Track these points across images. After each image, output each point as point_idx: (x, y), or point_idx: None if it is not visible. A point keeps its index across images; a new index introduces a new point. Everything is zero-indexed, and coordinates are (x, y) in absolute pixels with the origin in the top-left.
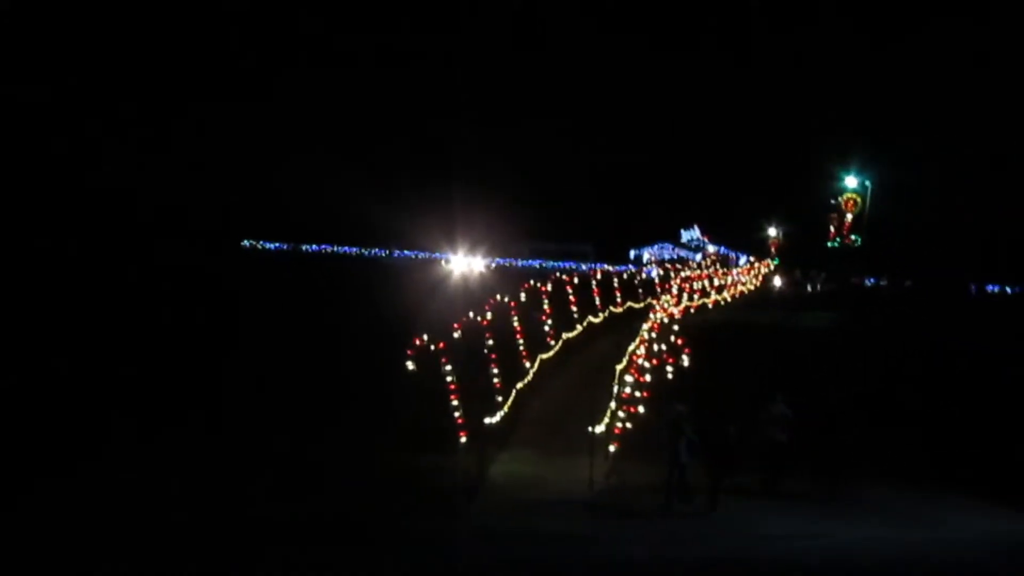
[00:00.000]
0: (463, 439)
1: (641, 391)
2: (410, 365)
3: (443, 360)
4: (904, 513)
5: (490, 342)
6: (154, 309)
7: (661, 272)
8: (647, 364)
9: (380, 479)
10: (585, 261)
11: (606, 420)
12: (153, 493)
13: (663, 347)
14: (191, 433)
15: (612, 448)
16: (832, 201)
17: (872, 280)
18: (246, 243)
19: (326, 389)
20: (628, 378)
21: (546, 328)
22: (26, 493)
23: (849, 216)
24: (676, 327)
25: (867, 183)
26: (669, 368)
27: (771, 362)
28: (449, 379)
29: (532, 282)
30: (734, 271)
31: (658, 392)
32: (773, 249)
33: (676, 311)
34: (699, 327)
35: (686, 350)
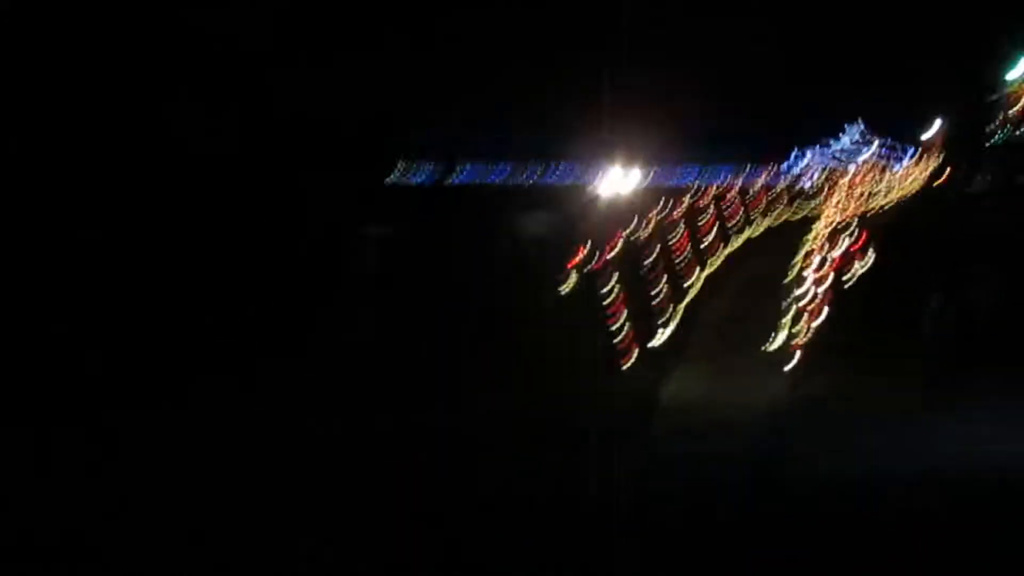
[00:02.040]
0: (629, 362)
1: (819, 303)
2: (566, 286)
3: (604, 278)
4: None
5: (650, 260)
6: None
7: (823, 179)
8: (824, 270)
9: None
10: (743, 167)
11: (783, 335)
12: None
13: (839, 254)
14: None
15: (791, 365)
16: (999, 87)
17: None
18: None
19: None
20: (804, 288)
21: (706, 244)
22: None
23: (1022, 103)
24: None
25: None
26: (857, 265)
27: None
28: (608, 300)
29: (689, 196)
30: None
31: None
32: (939, 143)
33: (847, 214)
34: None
35: (861, 255)
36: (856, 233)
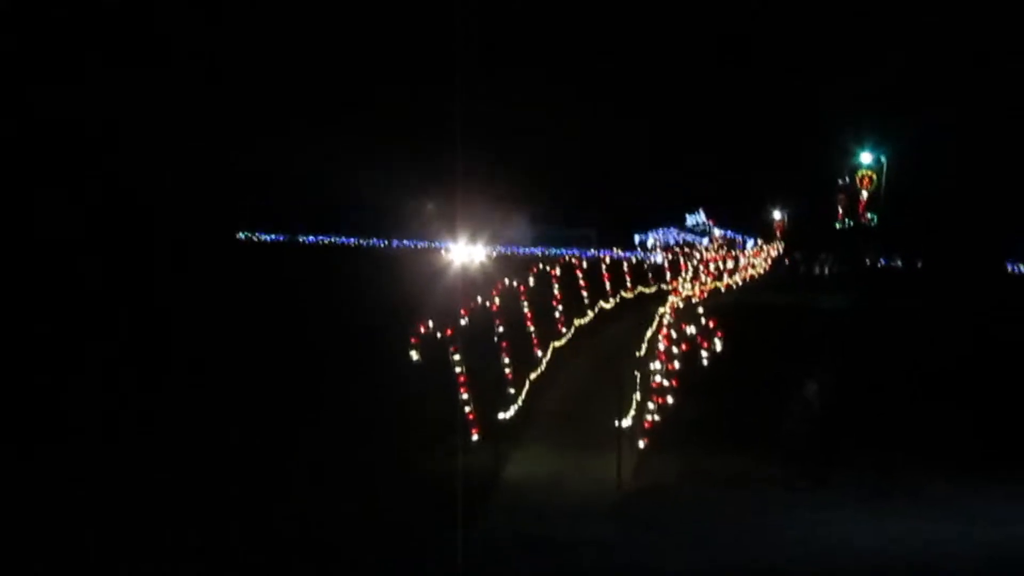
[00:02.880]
0: (474, 436)
1: (670, 379)
2: (415, 355)
3: (451, 348)
4: (970, 506)
5: (500, 329)
6: (143, 303)
7: (670, 257)
8: (676, 350)
9: (383, 482)
10: (588, 247)
11: (632, 412)
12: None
13: (692, 331)
14: (177, 429)
15: (641, 444)
16: (840, 181)
17: (883, 261)
18: (241, 235)
19: (322, 383)
20: (655, 365)
21: (557, 315)
22: None
23: (865, 193)
24: (701, 309)
25: (882, 158)
26: (704, 353)
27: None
28: (458, 369)
29: (541, 265)
30: (744, 254)
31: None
32: (778, 232)
33: (696, 293)
34: (720, 310)
35: (719, 333)
36: (707, 313)
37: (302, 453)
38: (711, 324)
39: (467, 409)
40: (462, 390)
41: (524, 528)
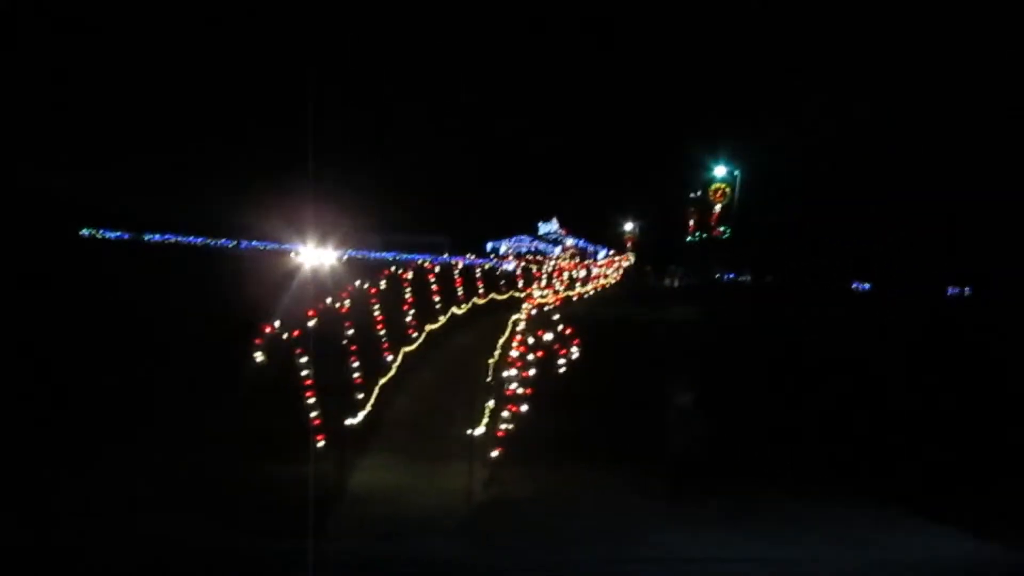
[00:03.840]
0: (320, 443)
1: (524, 387)
2: (259, 357)
3: (297, 351)
4: (822, 528)
5: (349, 332)
6: None
7: (522, 264)
8: (531, 357)
9: (220, 491)
10: (440, 253)
11: (485, 420)
12: None
13: (549, 338)
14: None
15: (494, 453)
16: (692, 195)
17: (730, 276)
18: (84, 232)
19: (159, 387)
20: (511, 372)
21: (408, 319)
22: None
23: (718, 207)
24: (556, 317)
25: (736, 173)
26: (561, 361)
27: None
28: (304, 373)
29: (393, 268)
30: (597, 264)
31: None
32: (629, 244)
33: (551, 301)
34: (573, 319)
35: (575, 341)
36: (563, 322)
37: (134, 464)
38: (567, 331)
39: (312, 414)
40: (307, 394)
41: (369, 545)
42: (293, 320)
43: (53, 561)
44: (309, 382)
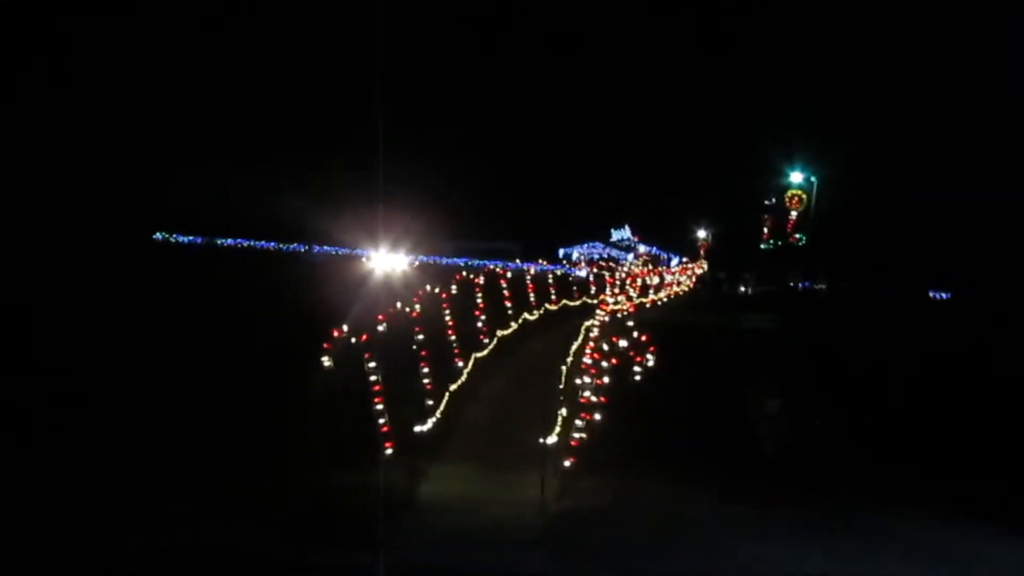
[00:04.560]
0: (388, 451)
1: (599, 395)
2: (327, 362)
3: (366, 356)
4: (927, 546)
5: (419, 337)
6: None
7: (594, 271)
8: (605, 364)
9: (287, 500)
10: (511, 259)
11: (558, 428)
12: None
13: (624, 345)
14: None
15: (567, 463)
16: (766, 201)
17: (805, 284)
18: (158, 236)
19: (231, 393)
20: (585, 379)
21: (479, 325)
22: None
23: (794, 213)
24: (631, 323)
25: (812, 179)
26: (637, 368)
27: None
28: (373, 379)
29: (465, 273)
30: (670, 271)
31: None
32: (702, 251)
33: (625, 307)
34: (647, 326)
35: (651, 348)
36: (637, 328)
37: (203, 470)
38: (643, 338)
39: (381, 421)
40: (377, 400)
41: (440, 555)
42: (363, 325)
43: (121, 569)
44: (378, 388)
